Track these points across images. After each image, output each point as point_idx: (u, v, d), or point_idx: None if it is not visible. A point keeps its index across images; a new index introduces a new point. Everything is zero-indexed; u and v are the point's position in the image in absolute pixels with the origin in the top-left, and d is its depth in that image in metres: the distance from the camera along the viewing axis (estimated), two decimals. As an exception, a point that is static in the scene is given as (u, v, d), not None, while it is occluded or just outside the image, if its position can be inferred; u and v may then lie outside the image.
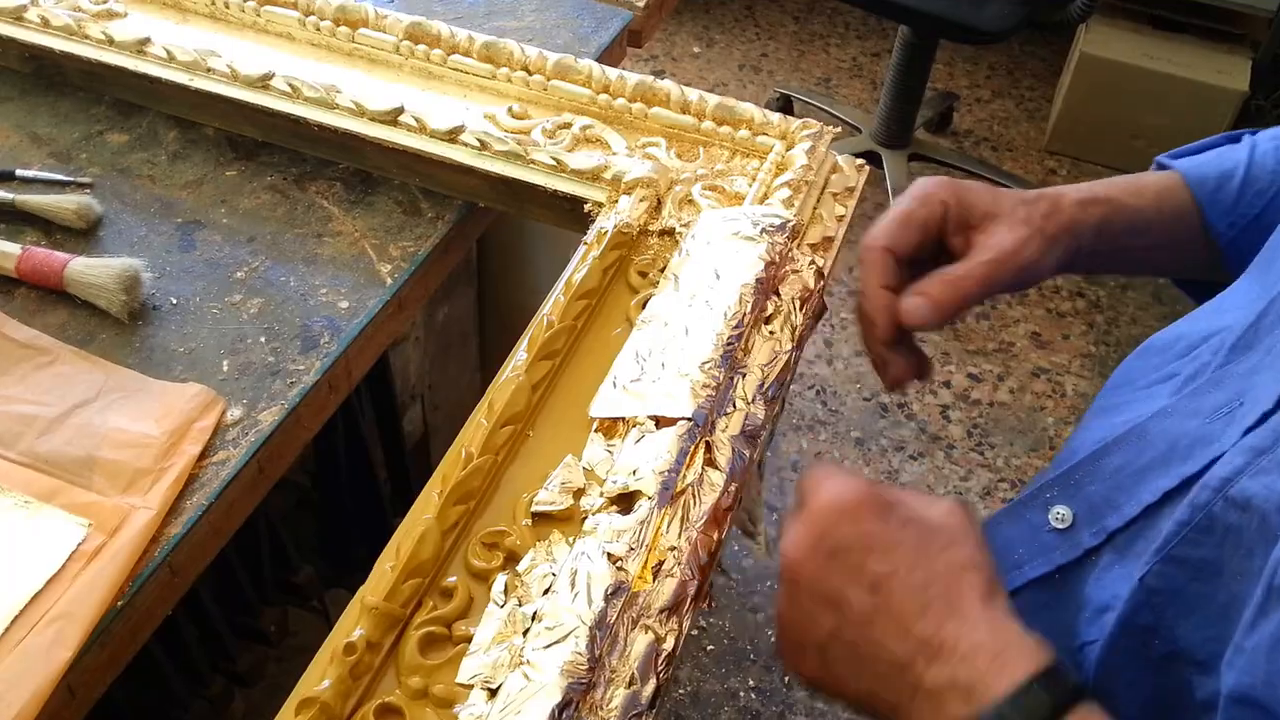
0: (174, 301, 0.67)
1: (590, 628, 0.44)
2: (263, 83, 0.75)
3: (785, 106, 2.21)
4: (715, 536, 0.51)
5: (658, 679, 0.46)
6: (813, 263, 0.64)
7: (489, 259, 1.09)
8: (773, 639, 0.48)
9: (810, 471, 0.45)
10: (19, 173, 0.74)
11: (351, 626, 0.45)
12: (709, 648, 1.46)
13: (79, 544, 0.52)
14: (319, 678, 0.43)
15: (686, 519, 0.51)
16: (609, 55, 0.95)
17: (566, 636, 0.44)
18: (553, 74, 0.77)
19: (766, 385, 0.58)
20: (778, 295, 0.62)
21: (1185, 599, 0.43)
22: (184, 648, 0.76)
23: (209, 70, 0.76)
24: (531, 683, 0.43)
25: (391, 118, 0.74)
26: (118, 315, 0.65)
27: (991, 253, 0.51)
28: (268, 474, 0.61)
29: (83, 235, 0.71)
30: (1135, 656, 0.45)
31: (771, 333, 0.60)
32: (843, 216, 0.73)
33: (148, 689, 0.74)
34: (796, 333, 0.60)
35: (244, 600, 0.83)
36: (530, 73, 0.78)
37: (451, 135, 0.73)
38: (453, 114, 0.74)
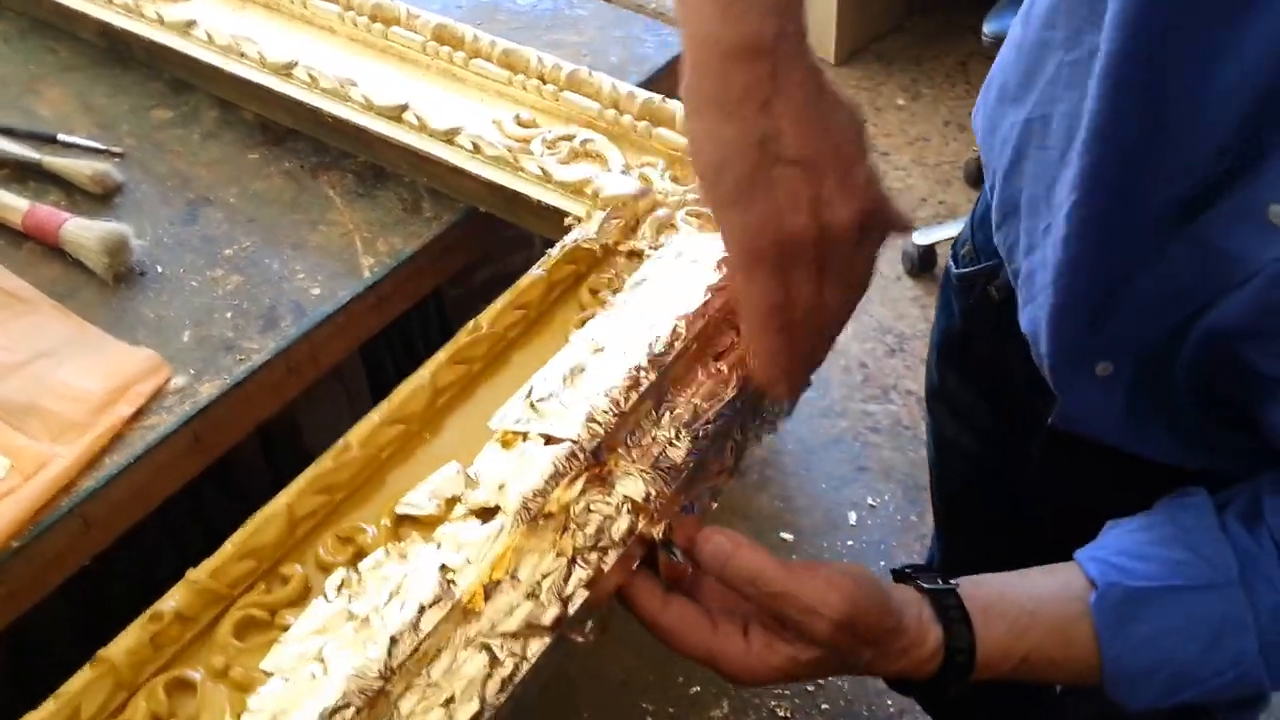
0: (159, 270, 0.70)
1: (392, 636, 0.43)
2: (286, 70, 0.78)
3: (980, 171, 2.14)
4: (598, 569, 0.49)
5: (482, 702, 0.44)
6: None
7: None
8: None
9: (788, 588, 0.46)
10: (60, 137, 0.79)
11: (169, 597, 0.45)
12: (824, 706, 1.42)
13: (-5, 482, 0.55)
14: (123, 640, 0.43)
15: (559, 543, 0.49)
16: (664, 78, 0.94)
17: (368, 641, 0.43)
18: (565, 85, 0.77)
19: (697, 423, 0.55)
20: (737, 332, 0.59)
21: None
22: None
23: (242, 55, 0.80)
24: (315, 680, 0.42)
25: (396, 114, 0.75)
26: (103, 276, 0.68)
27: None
28: (206, 445, 0.62)
29: (99, 200, 0.75)
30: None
31: (719, 370, 0.57)
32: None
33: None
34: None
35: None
36: (545, 82, 0.78)
37: (449, 136, 0.73)
38: (458, 116, 0.75)
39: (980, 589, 0.51)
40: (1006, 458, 0.75)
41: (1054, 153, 0.55)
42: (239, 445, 0.65)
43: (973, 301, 0.72)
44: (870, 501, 1.65)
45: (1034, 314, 0.57)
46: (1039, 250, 0.57)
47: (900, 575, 0.52)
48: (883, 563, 1.56)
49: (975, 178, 2.15)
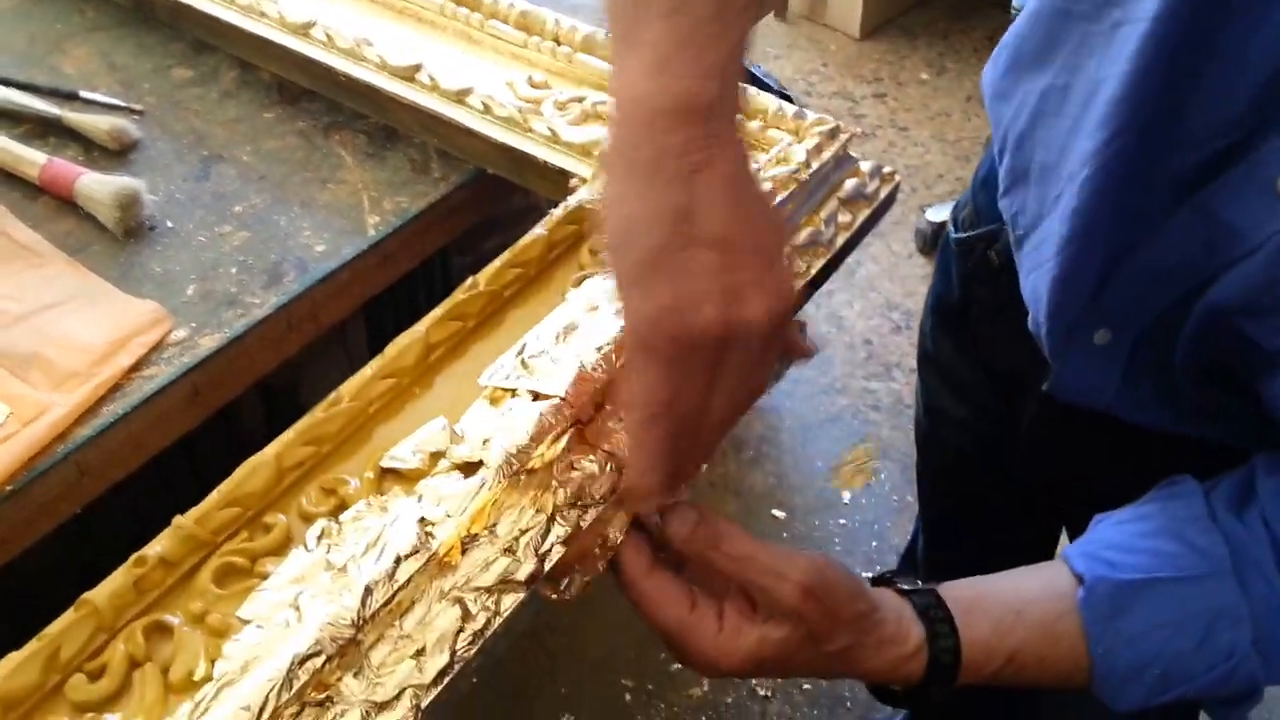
0: (170, 225, 0.70)
1: (366, 586, 0.42)
2: (304, 30, 0.78)
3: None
4: (578, 525, 0.49)
5: (452, 655, 0.44)
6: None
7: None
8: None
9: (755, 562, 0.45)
10: (82, 93, 0.80)
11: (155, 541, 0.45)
12: (805, 686, 1.41)
13: (-7, 428, 0.55)
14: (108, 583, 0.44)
15: (539, 500, 0.48)
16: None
17: (343, 590, 0.43)
18: (580, 47, 0.76)
19: None
20: None
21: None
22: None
23: (262, 14, 0.80)
24: (290, 628, 0.42)
25: (409, 74, 0.75)
26: (114, 230, 0.69)
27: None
28: (205, 398, 0.63)
29: (116, 155, 0.76)
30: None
31: None
32: (848, 224, 0.68)
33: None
34: None
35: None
36: (559, 44, 0.77)
37: (460, 96, 0.73)
38: (471, 77, 0.74)
39: (961, 590, 0.49)
40: (997, 427, 0.73)
41: (1069, 121, 0.53)
42: (240, 402, 0.66)
43: (971, 266, 0.70)
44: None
45: (1036, 281, 0.55)
46: (1048, 219, 0.55)
47: (878, 580, 0.51)
48: (875, 543, 1.53)
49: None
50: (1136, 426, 0.57)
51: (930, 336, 0.80)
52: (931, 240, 1.98)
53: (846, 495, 1.60)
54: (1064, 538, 0.84)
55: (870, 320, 1.89)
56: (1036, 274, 0.55)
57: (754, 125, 0.70)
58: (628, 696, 1.38)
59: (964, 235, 0.71)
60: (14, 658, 0.42)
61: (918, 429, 0.88)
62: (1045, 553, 0.84)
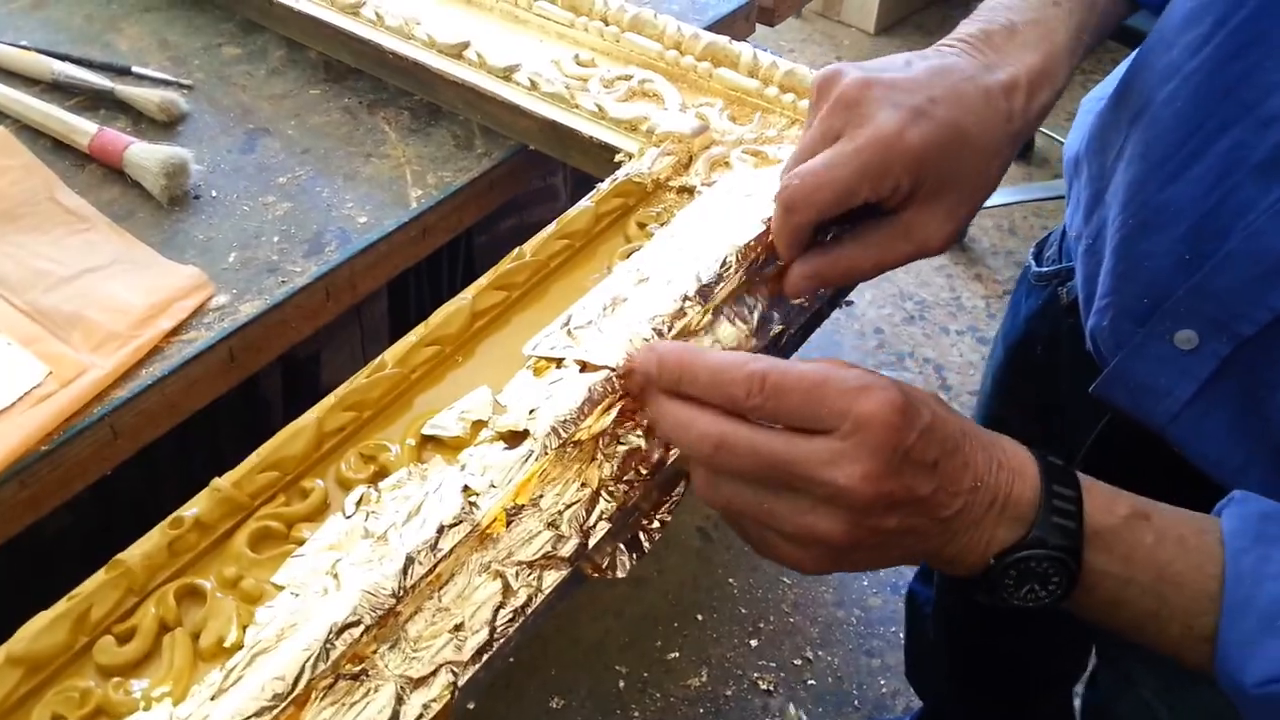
0: (214, 195, 0.70)
1: (408, 556, 0.41)
2: (354, 9, 0.78)
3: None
4: (625, 500, 0.47)
5: (492, 631, 0.42)
6: None
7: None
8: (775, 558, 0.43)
9: (824, 384, 0.39)
10: (134, 69, 0.79)
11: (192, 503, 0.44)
12: (809, 682, 1.37)
13: (34, 387, 0.55)
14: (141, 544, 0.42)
15: (584, 473, 0.47)
16: (727, 27, 0.91)
17: (384, 559, 0.41)
18: (628, 27, 0.75)
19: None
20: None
21: None
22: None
23: (311, -7, 0.79)
24: (328, 596, 0.40)
25: (457, 51, 0.73)
26: (159, 198, 0.68)
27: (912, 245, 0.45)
28: (241, 363, 0.62)
29: (164, 127, 0.75)
30: None
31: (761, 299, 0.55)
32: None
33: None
34: (785, 315, 0.54)
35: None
36: (607, 23, 0.76)
37: (507, 73, 0.71)
38: (518, 55, 0.73)
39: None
40: None
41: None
42: (260, 375, 0.64)
43: (1041, 303, 0.71)
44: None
45: (1090, 266, 0.53)
46: (1110, 179, 0.53)
47: None
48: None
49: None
50: (1197, 474, 0.52)
51: (990, 386, 0.80)
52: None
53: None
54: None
55: (882, 309, 1.87)
56: (1093, 255, 0.53)
57: (805, 104, 0.68)
58: (621, 684, 1.35)
59: (1044, 270, 0.70)
60: (43, 617, 0.41)
61: None
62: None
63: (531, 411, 0.47)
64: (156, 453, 0.59)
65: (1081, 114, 0.66)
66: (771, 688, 1.36)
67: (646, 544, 0.48)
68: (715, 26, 0.89)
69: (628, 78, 0.72)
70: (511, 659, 0.45)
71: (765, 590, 1.46)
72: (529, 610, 0.43)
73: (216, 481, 0.44)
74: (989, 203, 0.51)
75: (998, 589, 0.41)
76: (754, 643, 1.40)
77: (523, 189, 0.78)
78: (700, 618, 1.42)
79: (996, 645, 0.95)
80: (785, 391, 0.38)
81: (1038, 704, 1.02)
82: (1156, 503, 0.42)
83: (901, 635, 1.28)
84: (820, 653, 1.40)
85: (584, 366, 0.49)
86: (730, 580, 1.47)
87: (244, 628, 0.42)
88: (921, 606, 1.05)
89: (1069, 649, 0.91)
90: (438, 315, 0.53)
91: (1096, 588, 0.41)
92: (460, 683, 0.41)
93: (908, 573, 1.34)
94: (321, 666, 0.39)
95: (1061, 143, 2.29)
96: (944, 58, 0.47)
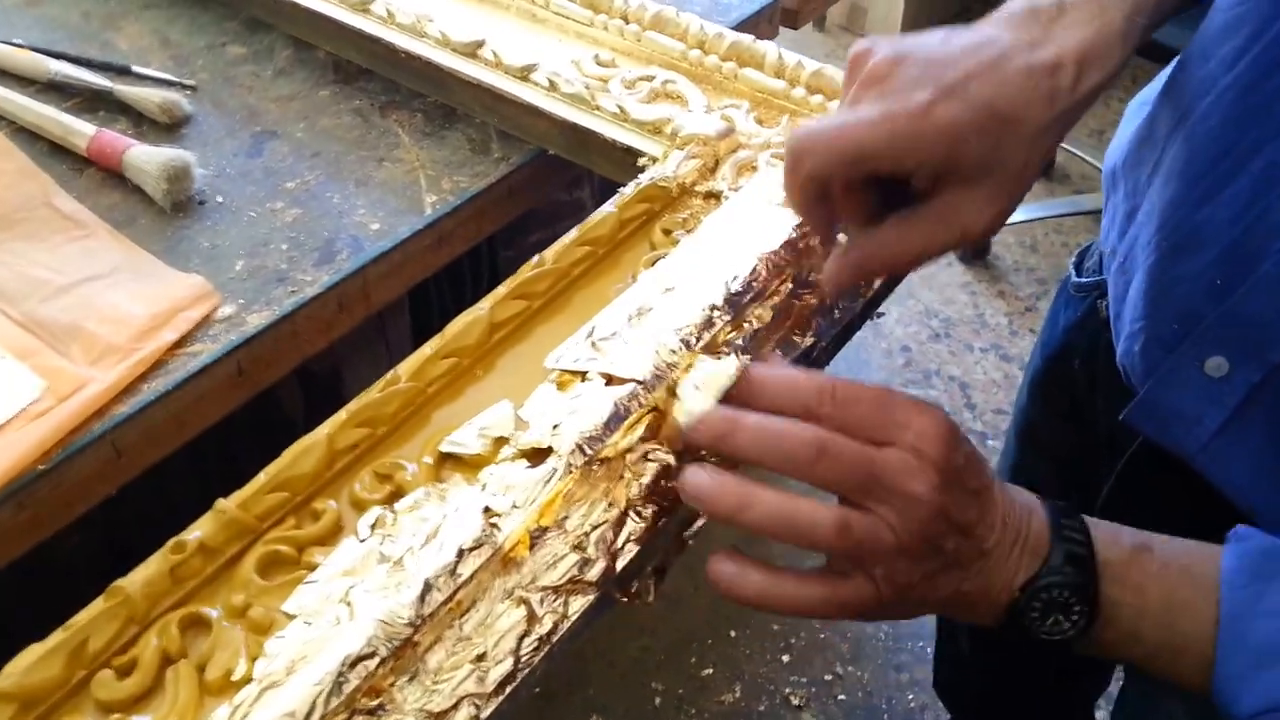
0: (219, 200, 0.67)
1: (426, 581, 0.38)
2: (364, 6, 0.75)
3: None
4: (652, 522, 0.44)
5: (516, 661, 0.40)
6: None
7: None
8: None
9: (889, 396, 0.40)
10: (135, 68, 0.77)
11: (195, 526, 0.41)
12: (840, 697, 1.37)
13: (30, 403, 0.52)
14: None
15: (611, 493, 0.44)
16: (749, 30, 0.88)
17: (400, 585, 0.38)
18: (649, 25, 0.72)
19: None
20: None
21: None
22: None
23: (319, -10, 0.77)
24: (340, 625, 0.37)
25: (472, 50, 0.71)
26: (161, 203, 0.65)
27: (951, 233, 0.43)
28: (250, 378, 0.59)
29: (166, 129, 0.73)
30: None
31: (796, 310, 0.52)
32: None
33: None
34: (813, 325, 0.52)
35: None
36: (628, 22, 0.73)
37: (524, 73, 0.69)
38: (535, 54, 0.71)
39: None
40: (1076, 492, 0.68)
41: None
42: (280, 392, 0.62)
43: (1080, 314, 0.69)
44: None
45: (1119, 284, 0.50)
46: (1144, 196, 0.50)
47: None
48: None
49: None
50: (1226, 505, 0.51)
51: (1027, 395, 0.79)
52: (971, 249, 1.96)
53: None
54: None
55: (909, 327, 1.87)
56: (1124, 275, 0.51)
57: (834, 106, 0.66)
58: (658, 700, 1.36)
59: (1084, 280, 0.68)
60: (36, 649, 0.38)
61: None
62: None
63: (555, 427, 0.44)
64: (170, 476, 0.57)
65: (1126, 119, 0.63)
66: (803, 703, 1.36)
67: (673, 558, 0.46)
68: (738, 29, 0.86)
69: (650, 78, 0.69)
70: (538, 689, 0.42)
71: (796, 607, 1.47)
72: (555, 638, 0.41)
73: (220, 502, 0.42)
74: (1010, 220, 0.49)
75: (1023, 622, 0.41)
76: (786, 659, 1.41)
77: (544, 198, 0.76)
78: (733, 634, 1.43)
79: (1029, 659, 0.92)
80: (855, 402, 0.39)
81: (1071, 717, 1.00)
82: (1155, 534, 0.43)
83: (928, 650, 1.27)
84: (850, 668, 1.40)
85: (609, 380, 0.47)
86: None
87: (252, 660, 0.39)
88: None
89: (1094, 663, 0.90)
90: (454, 326, 0.50)
91: (1115, 619, 0.41)
92: (483, 717, 0.38)
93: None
94: (335, 701, 0.36)
95: (1082, 158, 2.27)
96: (984, 34, 0.44)
